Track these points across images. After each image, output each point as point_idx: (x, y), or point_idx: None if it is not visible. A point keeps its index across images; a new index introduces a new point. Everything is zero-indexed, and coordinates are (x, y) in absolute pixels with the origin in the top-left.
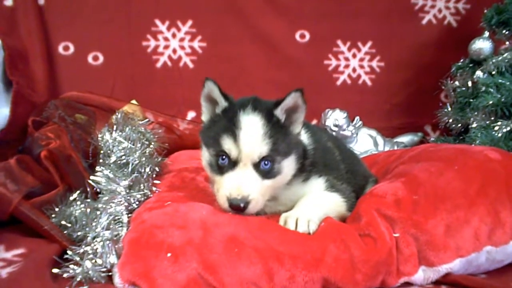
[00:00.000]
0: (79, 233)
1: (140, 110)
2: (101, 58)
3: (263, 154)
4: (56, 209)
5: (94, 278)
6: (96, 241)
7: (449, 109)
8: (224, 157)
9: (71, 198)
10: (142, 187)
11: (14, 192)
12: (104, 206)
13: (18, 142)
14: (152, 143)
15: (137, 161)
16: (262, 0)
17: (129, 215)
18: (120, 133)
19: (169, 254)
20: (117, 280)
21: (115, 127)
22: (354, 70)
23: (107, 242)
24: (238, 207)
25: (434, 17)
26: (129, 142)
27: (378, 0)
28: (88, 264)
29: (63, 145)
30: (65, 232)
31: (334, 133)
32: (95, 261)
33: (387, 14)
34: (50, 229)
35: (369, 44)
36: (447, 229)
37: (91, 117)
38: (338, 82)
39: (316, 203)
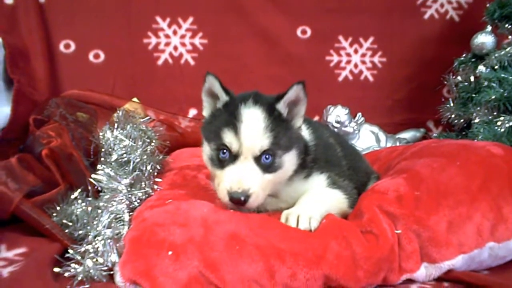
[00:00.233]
0: (80, 232)
1: (141, 108)
2: (102, 56)
3: (264, 147)
4: (58, 208)
5: (95, 277)
6: (97, 239)
7: (452, 104)
8: (225, 151)
9: (72, 196)
10: (143, 185)
11: (15, 191)
12: (105, 204)
13: (19, 140)
14: (154, 141)
15: (139, 159)
16: None
17: (131, 213)
18: (121, 131)
19: (170, 252)
20: (118, 279)
21: (116, 125)
22: (356, 66)
23: (108, 240)
24: (238, 201)
25: (436, 12)
26: (131, 140)
27: None
28: (89, 263)
29: (64, 144)
30: (66, 231)
31: (336, 130)
32: (96, 260)
33: (388, 9)
34: (51, 228)
35: (370, 39)
36: (449, 225)
37: (93, 115)
38: (340, 78)
39: (318, 200)
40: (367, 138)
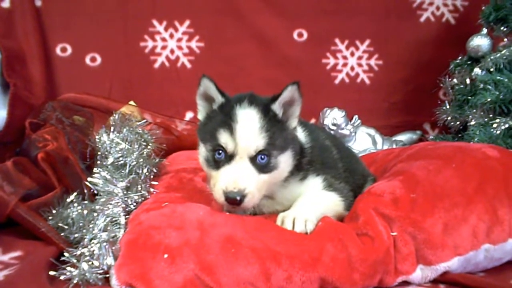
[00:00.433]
0: (76, 235)
1: (138, 111)
2: (98, 59)
3: (259, 147)
4: (53, 211)
5: (91, 280)
6: (93, 243)
7: (448, 106)
8: (220, 151)
9: (68, 200)
10: (139, 188)
11: (11, 194)
12: (101, 207)
13: (15, 144)
14: (150, 144)
15: (135, 162)
16: None
17: (127, 216)
18: (117, 134)
19: (166, 255)
20: (114, 282)
21: (112, 128)
22: (352, 68)
23: (104, 243)
24: (234, 201)
25: (432, 15)
26: (127, 143)
27: None
28: (85, 266)
29: (60, 147)
30: (62, 234)
31: (332, 132)
32: (92, 263)
33: (385, 12)
34: (47, 231)
35: (367, 42)
36: (445, 227)
37: (89, 119)
38: (336, 81)
39: (314, 202)
40: (363, 141)
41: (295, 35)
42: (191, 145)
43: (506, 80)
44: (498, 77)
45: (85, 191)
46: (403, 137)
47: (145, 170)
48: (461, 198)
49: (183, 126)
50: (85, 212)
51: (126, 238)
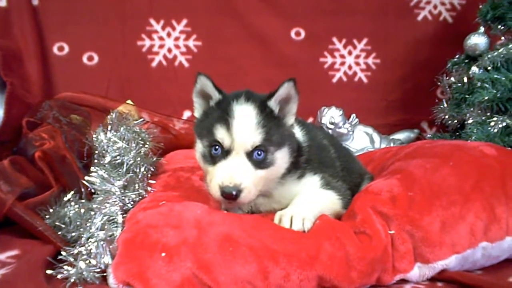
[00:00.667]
0: (73, 234)
1: (135, 110)
2: (96, 58)
3: (256, 143)
4: (50, 210)
5: (88, 279)
6: (90, 241)
7: (445, 105)
8: (217, 147)
9: (66, 198)
10: (137, 187)
11: (8, 193)
12: (98, 206)
13: (12, 143)
14: (147, 143)
15: (132, 161)
16: None
17: (124, 215)
18: (115, 133)
19: (163, 254)
20: (111, 280)
21: (109, 127)
22: (350, 67)
23: (102, 242)
24: (230, 196)
25: (430, 13)
26: (124, 142)
27: None
28: (82, 265)
29: (57, 146)
30: (59, 233)
31: (330, 131)
32: (89, 262)
33: (382, 10)
34: (44, 230)
35: (364, 41)
36: (442, 225)
37: (86, 118)
38: (334, 80)
39: (311, 200)
40: (361, 139)
41: (292, 34)
42: (189, 144)
43: (504, 78)
44: (496, 76)
45: (82, 190)
46: (401, 135)
47: (142, 169)
48: (458, 196)
49: (180, 125)
50: (82, 211)
51: (123, 237)
